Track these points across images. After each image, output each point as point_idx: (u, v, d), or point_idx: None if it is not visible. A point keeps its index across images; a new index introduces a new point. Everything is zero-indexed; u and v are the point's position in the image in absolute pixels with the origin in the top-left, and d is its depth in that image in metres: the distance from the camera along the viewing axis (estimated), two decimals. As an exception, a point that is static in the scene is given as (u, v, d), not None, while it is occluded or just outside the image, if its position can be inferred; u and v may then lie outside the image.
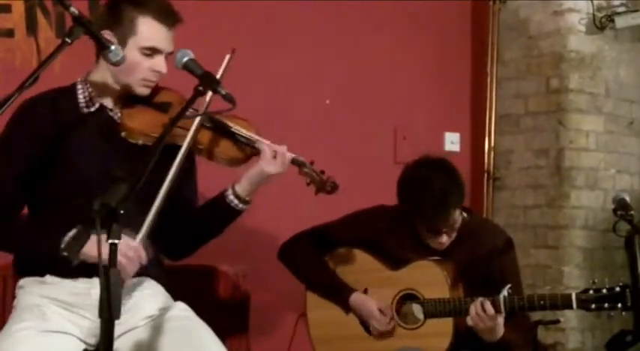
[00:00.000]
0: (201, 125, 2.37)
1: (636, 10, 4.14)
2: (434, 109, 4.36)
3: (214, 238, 2.53)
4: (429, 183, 2.78)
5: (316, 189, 2.51)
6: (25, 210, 2.38)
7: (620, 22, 4.15)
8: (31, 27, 3.21)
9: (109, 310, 1.64)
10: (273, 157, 2.39)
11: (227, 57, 2.42)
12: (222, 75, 2.38)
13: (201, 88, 2.17)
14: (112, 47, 2.13)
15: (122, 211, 1.69)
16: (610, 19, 4.19)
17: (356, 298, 2.94)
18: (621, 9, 4.20)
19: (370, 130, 4.11)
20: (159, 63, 2.33)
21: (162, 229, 2.42)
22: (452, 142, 4.45)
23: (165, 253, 2.55)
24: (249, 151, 2.44)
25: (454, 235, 2.87)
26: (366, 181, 3.84)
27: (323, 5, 3.95)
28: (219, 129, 2.43)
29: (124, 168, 1.83)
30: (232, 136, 2.43)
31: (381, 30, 4.16)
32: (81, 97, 2.37)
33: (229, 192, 2.44)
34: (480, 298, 2.70)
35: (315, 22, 3.95)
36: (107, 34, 2.30)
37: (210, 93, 2.29)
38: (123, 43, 2.30)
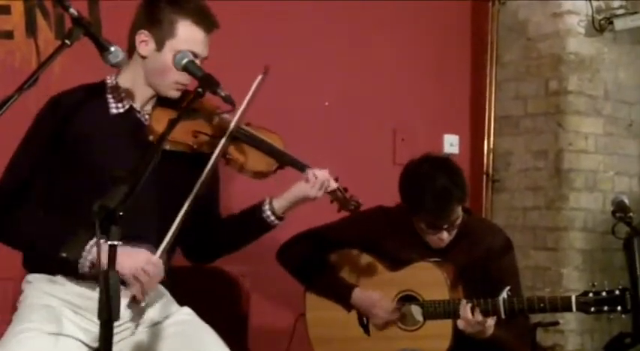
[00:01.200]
0: (231, 134, 2.36)
1: (635, 13, 4.14)
2: (433, 110, 4.37)
3: (242, 247, 2.54)
4: (432, 178, 2.79)
5: (339, 207, 2.51)
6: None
7: (619, 24, 4.15)
8: (31, 28, 3.21)
9: (109, 311, 1.63)
10: (318, 186, 2.40)
11: (259, 77, 2.44)
12: (253, 94, 2.40)
13: (200, 90, 2.16)
14: (112, 49, 2.12)
15: (121, 213, 1.68)
16: (609, 21, 4.19)
17: (358, 292, 2.95)
18: (620, 11, 4.21)
19: (369, 132, 4.11)
20: None
21: (187, 235, 2.41)
22: (451, 144, 4.45)
23: (188, 257, 2.55)
24: (276, 166, 2.43)
25: (454, 232, 2.87)
26: (365, 183, 3.81)
27: (322, 6, 3.95)
28: (249, 141, 2.41)
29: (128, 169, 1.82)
30: (262, 149, 2.42)
31: (380, 31, 4.16)
32: (110, 97, 2.36)
33: (266, 206, 2.44)
34: (469, 304, 2.70)
35: (314, 22, 3.95)
36: (144, 35, 2.30)
37: (242, 106, 2.31)
38: (160, 44, 2.30)
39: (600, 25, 4.22)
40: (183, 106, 2.29)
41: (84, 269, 2.16)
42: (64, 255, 1.65)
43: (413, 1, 4.24)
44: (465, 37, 4.54)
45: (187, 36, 2.30)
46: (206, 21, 2.33)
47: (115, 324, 1.69)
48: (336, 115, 3.99)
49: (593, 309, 2.66)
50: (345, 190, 2.49)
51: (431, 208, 2.79)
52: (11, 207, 2.23)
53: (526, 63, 4.38)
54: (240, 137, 2.40)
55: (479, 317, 2.67)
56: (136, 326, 2.29)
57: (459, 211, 2.84)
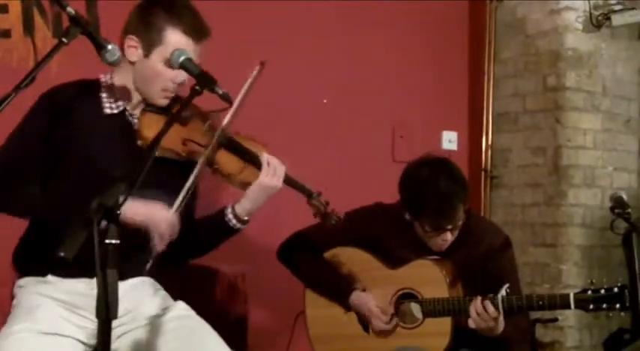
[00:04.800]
0: (219, 144, 2.36)
1: (633, 8, 4.14)
2: (431, 107, 4.37)
3: (209, 252, 2.54)
4: (434, 181, 2.78)
5: (321, 220, 2.58)
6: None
7: (617, 19, 4.15)
8: (28, 27, 3.21)
9: (107, 309, 1.63)
10: (272, 171, 2.40)
11: (255, 69, 2.42)
12: (249, 87, 2.40)
13: (198, 87, 2.15)
14: (109, 47, 2.11)
15: (119, 212, 1.68)
16: (607, 17, 4.19)
17: (356, 296, 2.94)
18: (618, 7, 4.20)
19: (368, 129, 4.11)
20: (181, 75, 2.30)
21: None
22: (449, 140, 4.45)
23: (162, 259, 2.55)
24: None
25: (456, 232, 2.87)
26: (364, 180, 3.85)
27: (320, 4, 3.94)
28: (237, 151, 2.42)
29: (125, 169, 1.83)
30: (248, 160, 2.42)
31: (378, 29, 4.16)
32: (104, 96, 2.36)
33: (228, 211, 2.43)
34: (480, 298, 2.70)
35: (312, 21, 3.95)
36: (132, 41, 2.29)
37: (230, 112, 2.31)
38: (148, 51, 2.30)
39: (598, 21, 4.22)
40: (175, 109, 2.29)
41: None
42: (62, 254, 1.65)
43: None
44: (463, 34, 4.54)
45: (176, 44, 2.27)
46: (196, 31, 2.30)
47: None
48: (334, 113, 3.99)
49: (591, 307, 2.65)
50: (327, 203, 2.55)
51: (434, 211, 2.78)
52: (11, 178, 2.23)
53: (524, 59, 4.38)
54: (228, 146, 2.40)
55: (492, 310, 2.66)
56: (133, 322, 2.29)
57: (462, 211, 2.83)
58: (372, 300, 2.92)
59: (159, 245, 2.19)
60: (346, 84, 4.03)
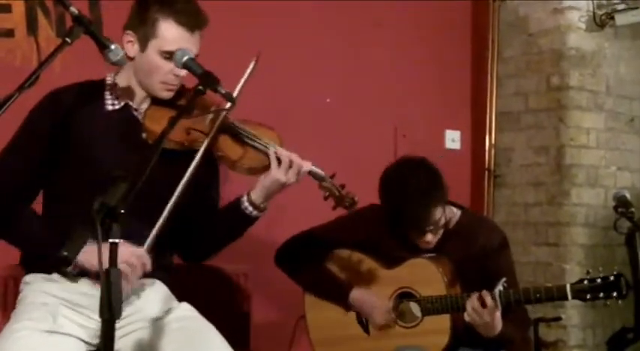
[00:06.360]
0: (221, 131, 2.34)
1: (636, 8, 4.13)
2: (434, 107, 4.37)
3: (230, 243, 2.52)
4: (407, 183, 2.76)
5: (334, 204, 2.48)
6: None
7: (621, 19, 4.15)
8: (32, 27, 3.22)
9: (110, 310, 1.64)
10: (287, 166, 2.34)
11: (252, 62, 2.40)
12: (247, 80, 2.38)
13: (201, 87, 2.16)
14: (112, 47, 2.12)
15: (122, 211, 1.68)
16: (610, 16, 4.19)
17: (356, 293, 2.94)
18: (621, 6, 4.20)
19: (371, 129, 4.11)
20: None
21: (183, 233, 2.42)
22: (452, 139, 4.45)
23: (182, 257, 2.55)
24: (268, 161, 2.38)
25: (440, 232, 2.85)
26: (367, 180, 3.83)
27: (324, 3, 3.95)
28: (238, 136, 2.39)
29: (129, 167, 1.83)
30: (251, 145, 2.39)
31: (382, 28, 4.16)
32: (107, 94, 2.37)
33: (244, 199, 2.41)
34: (477, 293, 2.69)
35: (316, 20, 3.96)
36: (129, 36, 2.30)
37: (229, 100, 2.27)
38: (144, 44, 2.30)
39: (601, 21, 4.22)
40: (180, 104, 2.29)
41: (72, 271, 2.18)
42: (64, 254, 1.65)
43: (414, -1, 4.25)
44: (466, 34, 4.54)
45: (170, 36, 2.27)
46: (190, 20, 2.29)
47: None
48: (337, 112, 3.99)
49: (588, 296, 2.62)
50: (342, 186, 2.47)
51: (409, 215, 2.76)
52: (7, 202, 2.24)
53: (527, 59, 4.38)
54: (231, 132, 2.39)
55: (490, 303, 2.64)
56: (137, 322, 2.29)
57: (440, 211, 2.80)
58: (373, 294, 2.91)
59: (125, 288, 2.14)
60: (349, 83, 4.04)
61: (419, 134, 4.23)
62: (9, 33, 3.18)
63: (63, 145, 2.29)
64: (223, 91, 2.18)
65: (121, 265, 2.07)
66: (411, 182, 2.76)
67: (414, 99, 4.29)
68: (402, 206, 2.76)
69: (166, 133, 1.99)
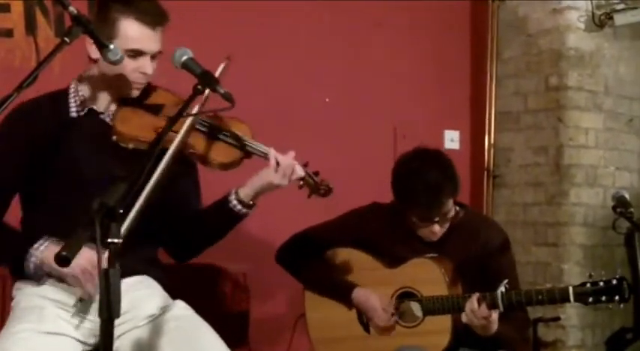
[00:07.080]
0: (193, 128, 2.32)
1: (635, 8, 4.13)
2: (434, 107, 4.37)
3: (218, 241, 2.51)
4: (423, 171, 2.79)
5: (309, 192, 2.46)
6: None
7: (620, 19, 4.15)
8: (30, 26, 3.22)
9: (109, 309, 1.64)
10: (285, 173, 2.35)
11: (222, 65, 2.37)
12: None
13: (200, 87, 2.15)
14: (111, 46, 2.12)
15: (121, 211, 1.68)
16: (609, 16, 4.19)
17: (358, 293, 2.94)
18: (620, 6, 4.20)
19: (370, 129, 4.11)
20: (144, 64, 2.30)
21: (168, 233, 2.43)
22: (452, 139, 4.46)
23: (172, 256, 2.55)
24: (239, 155, 2.38)
25: (446, 225, 2.87)
26: (366, 180, 3.85)
27: (323, 3, 3.95)
28: (211, 132, 2.38)
29: (124, 168, 1.83)
30: (224, 140, 2.38)
31: (381, 28, 4.16)
32: (72, 102, 2.37)
33: (232, 196, 2.40)
34: (475, 295, 2.70)
35: (315, 20, 3.96)
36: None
37: (204, 94, 2.22)
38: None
39: (600, 21, 4.22)
40: (148, 102, 2.30)
41: (28, 270, 2.21)
42: (64, 253, 1.65)
43: (413, -1, 4.25)
44: (465, 34, 4.54)
45: (132, 33, 2.27)
46: (151, 17, 2.28)
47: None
48: (337, 112, 3.99)
49: (591, 299, 2.62)
50: (316, 173, 2.45)
51: (422, 202, 2.79)
52: None
53: (526, 59, 4.38)
54: (201, 129, 2.37)
55: (484, 310, 2.65)
56: (133, 321, 2.29)
57: (451, 203, 2.83)
58: (374, 296, 2.92)
59: (84, 293, 2.19)
60: (348, 83, 4.04)
61: (418, 134, 4.22)
62: (8, 33, 3.19)
63: (35, 156, 2.29)
64: (222, 91, 2.17)
65: (76, 271, 2.12)
66: (427, 170, 2.79)
67: (414, 99, 4.29)
68: (415, 193, 2.78)
69: (164, 133, 1.98)
